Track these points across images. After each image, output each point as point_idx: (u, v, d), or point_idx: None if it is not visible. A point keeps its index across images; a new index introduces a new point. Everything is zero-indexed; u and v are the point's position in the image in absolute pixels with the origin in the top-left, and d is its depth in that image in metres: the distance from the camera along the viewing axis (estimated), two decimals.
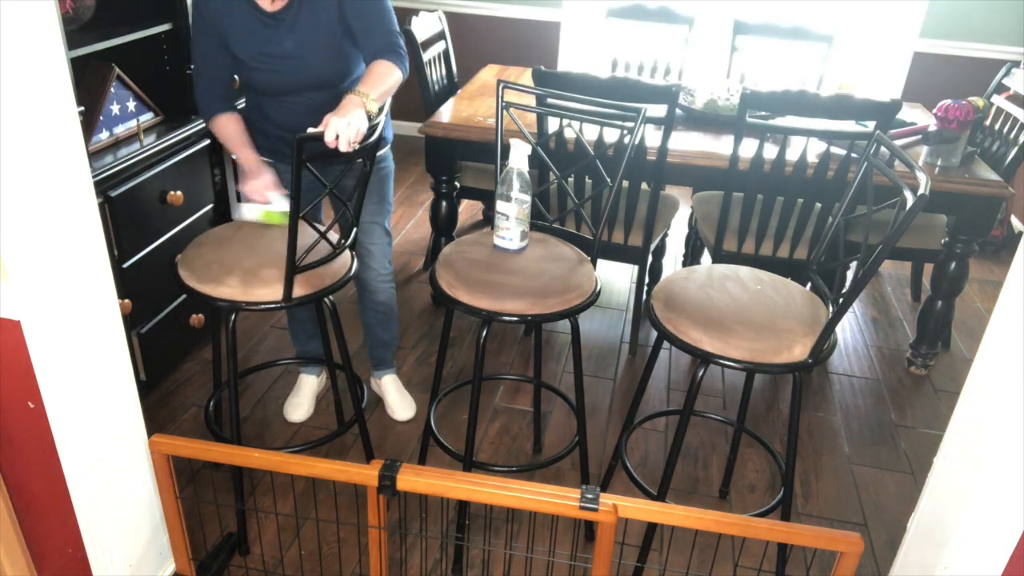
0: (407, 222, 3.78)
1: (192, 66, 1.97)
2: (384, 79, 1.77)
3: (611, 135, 2.46)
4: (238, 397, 2.30)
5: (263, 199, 1.91)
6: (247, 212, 1.91)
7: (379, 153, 2.11)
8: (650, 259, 2.94)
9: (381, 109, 1.74)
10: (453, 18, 4.26)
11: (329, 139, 1.57)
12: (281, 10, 1.84)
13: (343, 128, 1.57)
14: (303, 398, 2.42)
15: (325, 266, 1.76)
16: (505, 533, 2.04)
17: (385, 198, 2.19)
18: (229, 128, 1.96)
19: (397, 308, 2.37)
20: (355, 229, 1.83)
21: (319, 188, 2.13)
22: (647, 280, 3.03)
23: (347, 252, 1.86)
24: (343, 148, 1.57)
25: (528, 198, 1.75)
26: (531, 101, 2.35)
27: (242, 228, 1.88)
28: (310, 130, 1.56)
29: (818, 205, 2.46)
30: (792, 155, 2.40)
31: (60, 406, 1.43)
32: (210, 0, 1.86)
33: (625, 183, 2.47)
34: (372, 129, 1.66)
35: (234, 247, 1.78)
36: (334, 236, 1.81)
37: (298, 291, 1.72)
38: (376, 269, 2.24)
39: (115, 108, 2.25)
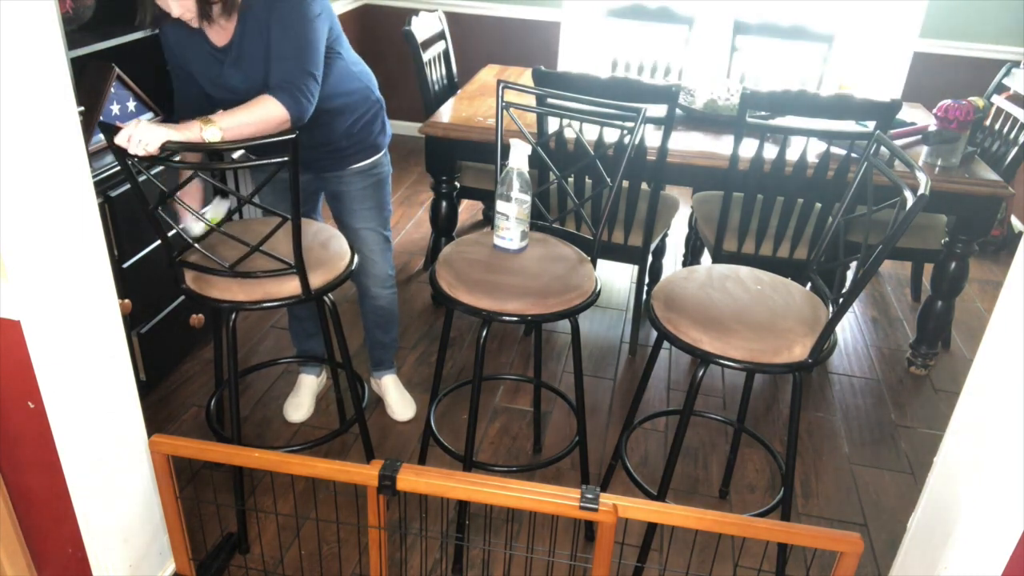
0: (407, 222, 3.78)
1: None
2: (251, 114, 1.67)
3: (611, 135, 2.46)
4: (238, 397, 2.30)
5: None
6: (194, 228, 1.84)
7: (374, 159, 2.10)
8: (650, 259, 2.94)
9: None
10: (453, 18, 4.26)
11: (119, 139, 1.50)
12: (227, 45, 1.81)
13: (136, 133, 1.50)
14: (303, 398, 2.42)
15: (325, 264, 1.77)
16: (505, 533, 2.04)
17: (380, 204, 2.17)
18: None
19: (398, 311, 2.37)
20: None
21: (309, 189, 2.14)
22: (647, 280, 3.03)
23: (346, 252, 1.86)
24: (132, 150, 1.50)
25: (528, 198, 1.75)
26: (531, 101, 2.35)
27: (238, 227, 1.88)
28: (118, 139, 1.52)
29: (818, 205, 2.46)
30: (792, 155, 2.40)
31: (60, 406, 1.43)
32: (170, 34, 1.84)
33: (625, 183, 2.47)
34: (219, 153, 1.55)
35: (234, 246, 1.78)
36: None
37: (287, 292, 1.72)
38: (376, 275, 2.23)
39: (115, 108, 2.25)
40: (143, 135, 1.50)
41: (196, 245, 1.67)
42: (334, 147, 2.02)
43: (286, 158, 1.51)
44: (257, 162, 1.55)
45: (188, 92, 1.94)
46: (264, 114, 1.69)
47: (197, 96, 1.94)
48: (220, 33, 1.81)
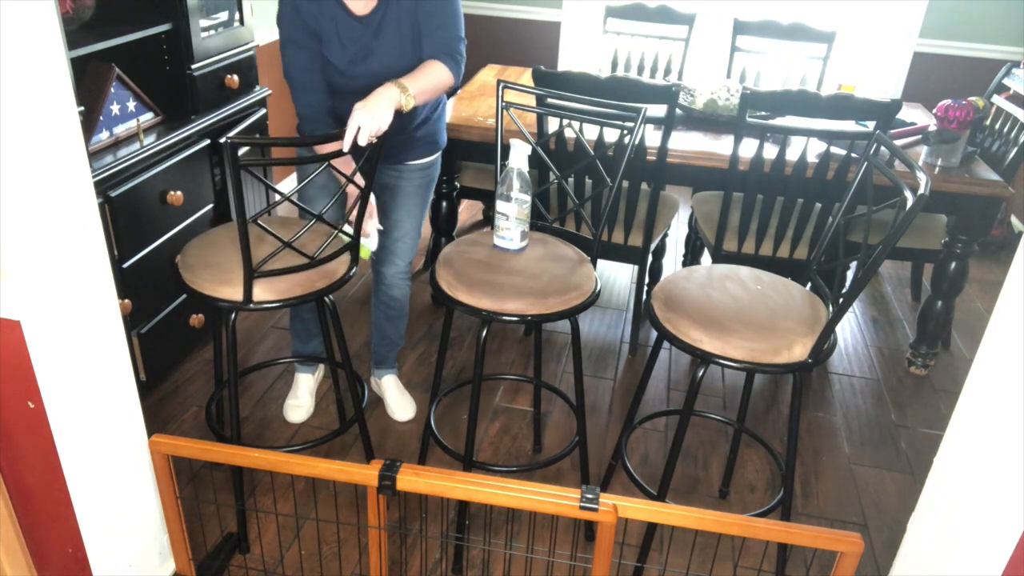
0: None
1: (289, 81, 1.94)
2: (430, 78, 1.80)
3: (611, 135, 2.46)
4: (238, 397, 2.30)
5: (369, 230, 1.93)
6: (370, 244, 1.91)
7: (433, 157, 2.15)
8: (650, 259, 2.94)
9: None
10: None
11: (351, 134, 1.58)
12: (369, 14, 1.86)
13: (366, 121, 1.59)
14: (302, 398, 2.41)
15: (323, 266, 1.77)
16: (505, 533, 2.04)
17: (425, 200, 2.23)
18: None
19: (408, 308, 2.38)
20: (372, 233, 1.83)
21: (333, 188, 2.15)
22: (647, 280, 3.03)
23: (345, 253, 1.86)
24: (362, 142, 1.59)
25: (528, 198, 1.75)
26: (531, 101, 2.35)
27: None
28: (347, 139, 1.57)
29: (818, 205, 2.46)
30: (792, 155, 2.40)
31: (60, 406, 1.43)
32: (304, 5, 1.85)
33: (625, 183, 2.47)
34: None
35: (231, 246, 1.78)
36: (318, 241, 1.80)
37: (294, 292, 1.73)
38: (398, 265, 2.25)
39: (115, 108, 2.25)
40: (371, 125, 1.58)
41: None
42: (407, 136, 2.05)
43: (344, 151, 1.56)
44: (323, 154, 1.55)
45: (315, 84, 1.92)
46: (440, 79, 1.83)
47: (323, 87, 1.94)
48: (362, 3, 1.86)
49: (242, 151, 2.67)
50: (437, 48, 1.87)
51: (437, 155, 2.18)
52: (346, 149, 1.60)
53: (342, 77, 1.93)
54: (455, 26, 1.89)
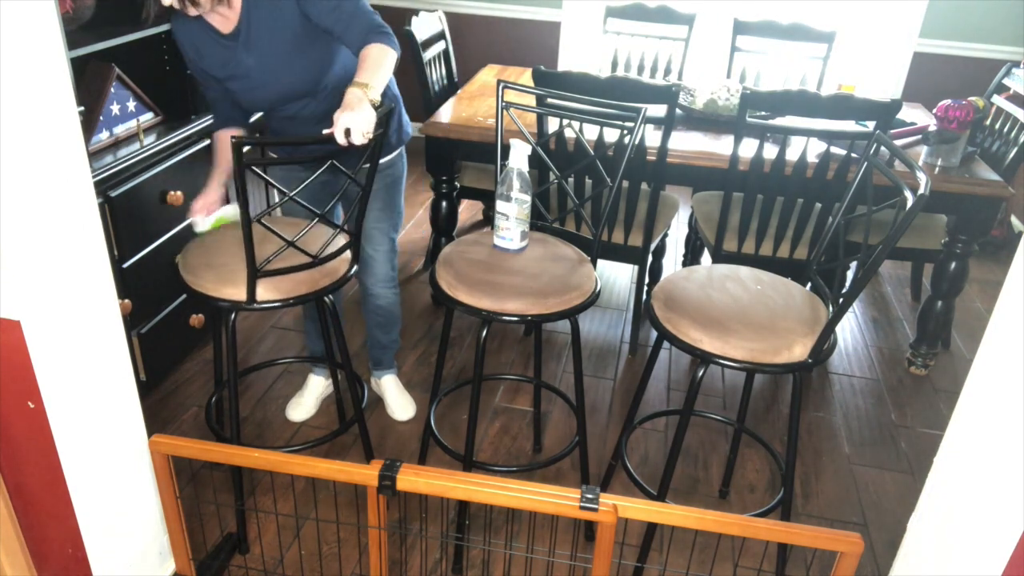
0: (407, 222, 3.78)
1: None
2: (379, 63, 1.74)
3: (611, 135, 2.46)
4: (238, 397, 2.30)
5: (206, 213, 1.92)
6: (200, 224, 1.91)
7: (387, 159, 2.07)
8: (650, 259, 2.94)
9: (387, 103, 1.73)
10: (453, 18, 4.26)
11: (340, 137, 1.57)
12: (234, 31, 1.82)
13: (356, 122, 1.57)
14: (307, 399, 2.41)
15: (322, 266, 1.77)
16: (505, 533, 2.04)
17: (390, 205, 2.14)
18: (217, 144, 2.02)
19: (400, 312, 2.36)
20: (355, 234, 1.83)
21: (325, 192, 2.14)
22: (647, 280, 3.03)
23: (345, 254, 1.86)
24: (357, 141, 1.58)
25: (528, 198, 1.75)
26: (531, 101, 2.35)
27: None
28: (325, 132, 1.57)
29: (818, 205, 2.46)
30: (792, 155, 2.40)
31: (60, 406, 1.43)
32: (180, 32, 1.85)
33: (625, 183, 2.47)
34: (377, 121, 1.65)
35: (232, 247, 1.78)
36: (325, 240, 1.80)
37: (299, 291, 1.72)
38: (377, 275, 2.22)
39: (115, 108, 2.25)
40: (360, 124, 1.57)
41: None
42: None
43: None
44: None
45: (214, 94, 1.96)
46: (382, 58, 1.76)
47: (224, 98, 1.95)
48: (222, 20, 1.81)
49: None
50: (361, 34, 1.78)
51: (390, 157, 2.08)
52: (354, 140, 1.59)
53: (250, 103, 1.94)
54: (361, 9, 1.79)
